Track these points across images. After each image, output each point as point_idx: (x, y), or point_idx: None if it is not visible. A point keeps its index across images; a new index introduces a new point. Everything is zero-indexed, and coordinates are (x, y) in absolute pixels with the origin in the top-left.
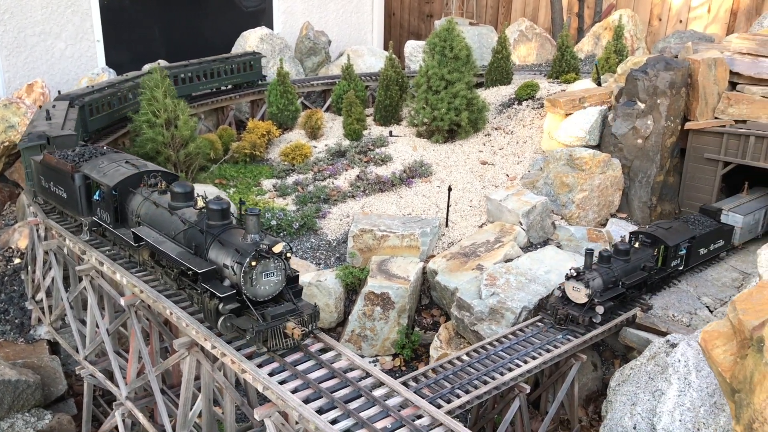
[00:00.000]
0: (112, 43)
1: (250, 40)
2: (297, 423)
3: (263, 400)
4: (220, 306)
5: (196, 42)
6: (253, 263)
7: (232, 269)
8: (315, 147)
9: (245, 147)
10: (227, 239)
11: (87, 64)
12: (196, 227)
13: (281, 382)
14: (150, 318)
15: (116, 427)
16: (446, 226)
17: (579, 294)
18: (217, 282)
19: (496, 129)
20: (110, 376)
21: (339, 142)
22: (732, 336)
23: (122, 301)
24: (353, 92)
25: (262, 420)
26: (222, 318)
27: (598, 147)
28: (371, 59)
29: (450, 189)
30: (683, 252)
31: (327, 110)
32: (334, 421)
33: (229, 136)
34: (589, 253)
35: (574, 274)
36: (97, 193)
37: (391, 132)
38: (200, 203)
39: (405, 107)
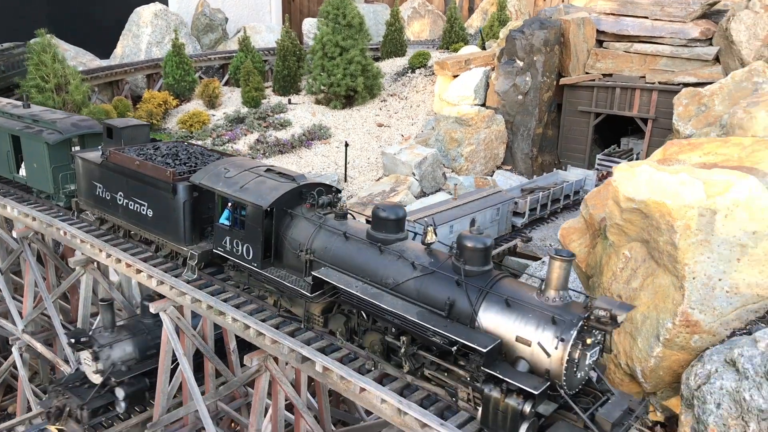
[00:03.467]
0: None
1: (143, 17)
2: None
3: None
4: (524, 407)
5: (85, 18)
6: (588, 341)
7: (541, 346)
8: (213, 115)
9: (141, 117)
10: (514, 296)
11: None
12: (444, 273)
13: None
14: (44, 250)
15: (15, 366)
16: (345, 181)
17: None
18: (505, 366)
19: (391, 95)
20: (5, 316)
21: (238, 110)
22: (585, 230)
23: (14, 233)
24: (251, 62)
25: None
26: (527, 426)
27: (484, 105)
28: (269, 36)
29: (347, 145)
30: None
31: (226, 84)
32: None
33: (125, 107)
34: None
35: None
36: (224, 215)
37: (290, 100)
38: (431, 236)
39: (303, 78)
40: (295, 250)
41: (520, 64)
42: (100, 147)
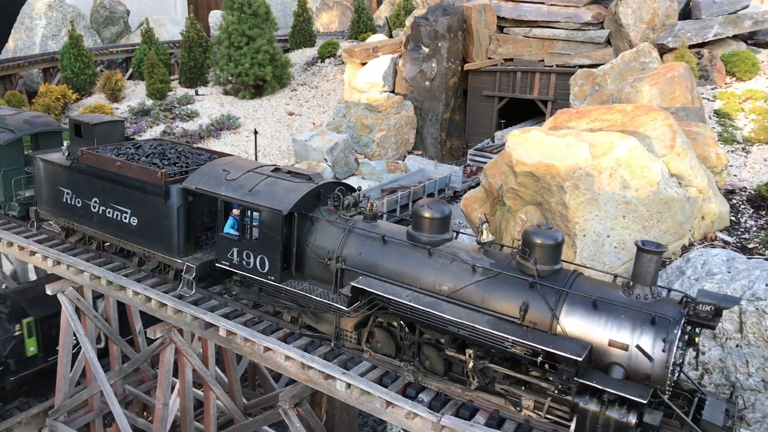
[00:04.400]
0: None
1: (36, 8)
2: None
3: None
4: (629, 418)
5: None
6: (696, 339)
7: (641, 350)
8: (117, 108)
9: (38, 111)
10: (599, 296)
11: None
12: (511, 276)
13: None
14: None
15: None
16: None
17: None
18: (599, 374)
19: (301, 85)
20: None
21: (142, 103)
22: (485, 199)
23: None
24: (155, 54)
25: None
26: None
27: (393, 92)
28: (174, 29)
29: (256, 133)
30: None
31: (130, 78)
32: None
33: (19, 101)
34: None
35: None
36: (228, 223)
37: (197, 91)
38: (486, 234)
39: (210, 70)
40: (322, 259)
41: (426, 50)
42: (63, 148)
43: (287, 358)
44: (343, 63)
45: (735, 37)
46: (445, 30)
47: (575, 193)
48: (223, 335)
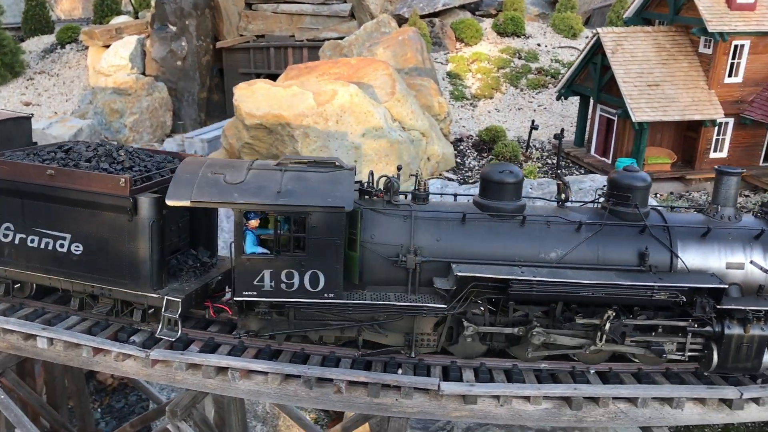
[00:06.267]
0: None
1: None
2: None
3: None
4: None
5: None
6: None
7: (755, 265)
8: None
9: None
10: (696, 225)
11: None
12: (615, 225)
13: None
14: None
15: None
16: None
17: None
18: (733, 298)
19: (39, 73)
20: None
21: None
22: (228, 156)
23: None
24: None
25: None
26: None
27: (144, 74)
28: None
29: None
30: None
31: None
32: None
33: None
34: None
35: None
36: (250, 240)
37: None
38: (566, 192)
39: None
40: (392, 257)
41: (173, 29)
42: None
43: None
44: (86, 48)
45: (462, 7)
46: (191, 7)
47: (306, 141)
48: None
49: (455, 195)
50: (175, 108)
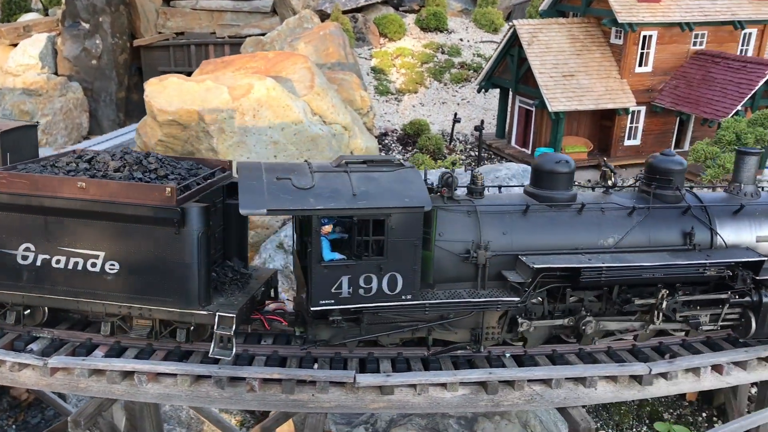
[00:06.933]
0: None
1: None
2: None
3: None
4: None
5: None
6: None
7: None
8: None
9: None
10: (726, 204)
11: None
12: (661, 208)
13: None
14: None
15: None
16: None
17: None
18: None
19: None
20: None
21: None
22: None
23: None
24: None
25: None
26: None
27: (56, 73)
28: None
29: None
30: None
31: None
32: None
33: None
34: None
35: None
36: (325, 246)
37: None
38: (612, 178)
39: None
40: (463, 254)
41: (86, 26)
42: None
43: None
44: None
45: (385, 2)
46: (105, 4)
47: (222, 137)
48: None
49: (499, 187)
50: (91, 109)
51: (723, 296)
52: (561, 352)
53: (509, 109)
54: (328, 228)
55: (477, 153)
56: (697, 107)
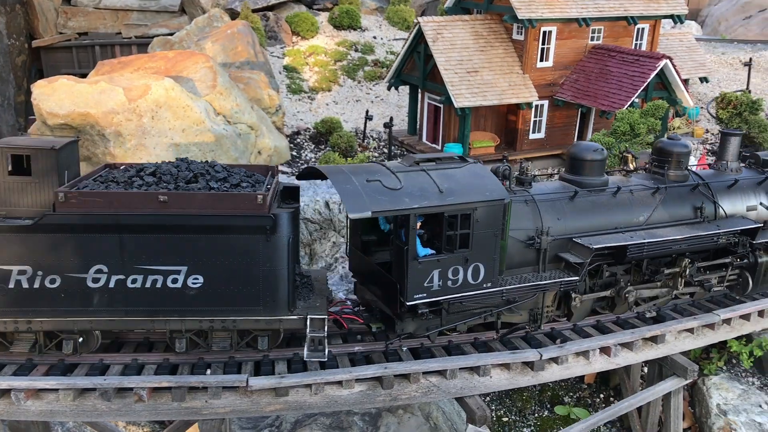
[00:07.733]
0: None
1: None
2: None
3: None
4: None
5: None
6: None
7: (764, 205)
8: None
9: None
10: (717, 180)
11: None
12: (676, 187)
13: None
14: None
15: None
16: None
17: None
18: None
19: None
20: None
21: None
22: None
23: None
24: None
25: None
26: None
27: None
28: None
29: None
30: None
31: None
32: None
33: None
34: None
35: None
36: (417, 243)
37: None
38: (634, 163)
39: None
40: (526, 241)
41: None
42: None
43: None
44: None
45: (298, 1)
46: None
47: (119, 140)
48: None
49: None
50: None
51: (727, 260)
52: (456, 342)
53: (419, 105)
54: (419, 223)
55: (388, 150)
56: (596, 100)
